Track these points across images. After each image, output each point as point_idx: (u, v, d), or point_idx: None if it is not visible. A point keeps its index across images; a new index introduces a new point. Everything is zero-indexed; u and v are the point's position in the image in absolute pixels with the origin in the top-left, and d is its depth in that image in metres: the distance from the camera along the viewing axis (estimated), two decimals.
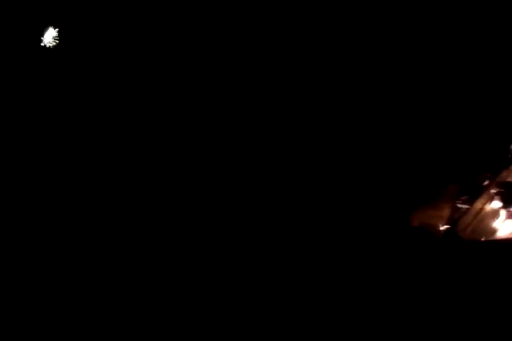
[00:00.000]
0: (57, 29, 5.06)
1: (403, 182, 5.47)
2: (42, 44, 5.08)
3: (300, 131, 5.44)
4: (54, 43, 5.03)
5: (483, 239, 5.18)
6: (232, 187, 5.23)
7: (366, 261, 5.16)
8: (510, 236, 5.12)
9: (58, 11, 5.13)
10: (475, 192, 5.35)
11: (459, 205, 5.40)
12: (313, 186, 5.36)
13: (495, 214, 5.23)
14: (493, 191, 5.25)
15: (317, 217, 5.22)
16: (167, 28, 5.31)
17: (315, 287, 4.81)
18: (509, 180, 5.33)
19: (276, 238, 5.06)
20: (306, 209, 5.27)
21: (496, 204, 5.24)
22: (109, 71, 5.31)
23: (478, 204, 5.27)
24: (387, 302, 4.65)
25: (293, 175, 5.36)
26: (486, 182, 5.35)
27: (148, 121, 5.34)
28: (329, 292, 4.79)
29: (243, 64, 5.39)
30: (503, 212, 5.19)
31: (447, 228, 5.34)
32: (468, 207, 5.34)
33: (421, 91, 5.53)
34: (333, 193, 5.37)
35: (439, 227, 5.34)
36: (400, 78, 5.50)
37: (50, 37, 5.06)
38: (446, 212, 5.36)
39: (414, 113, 5.57)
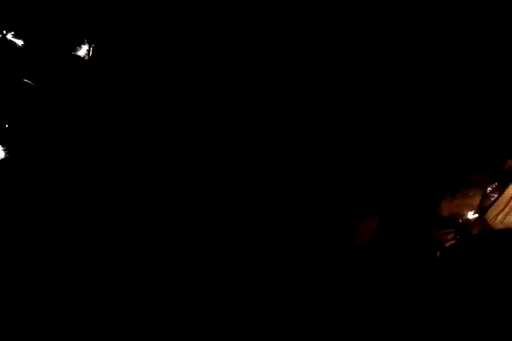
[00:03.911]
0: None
1: (430, 171, 5.35)
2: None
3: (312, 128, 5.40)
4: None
5: None
6: (229, 187, 5.23)
7: (393, 252, 5.06)
8: None
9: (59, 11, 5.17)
10: (505, 179, 5.21)
11: (488, 193, 5.26)
12: (330, 178, 5.30)
13: None
14: None
15: (330, 210, 5.16)
16: (167, 28, 5.32)
17: (335, 281, 4.76)
18: None
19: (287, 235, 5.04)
20: (325, 201, 5.21)
21: None
22: (109, 71, 5.33)
23: (509, 192, 5.13)
24: (414, 292, 4.56)
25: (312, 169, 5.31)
26: None
27: (149, 122, 5.35)
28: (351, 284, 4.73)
29: (243, 64, 5.37)
30: None
31: (477, 216, 5.21)
32: (498, 194, 5.21)
33: (449, 84, 5.45)
34: (354, 183, 5.28)
35: (469, 216, 5.21)
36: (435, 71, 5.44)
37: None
38: (475, 200, 5.23)
39: (442, 102, 5.47)
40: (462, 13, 5.24)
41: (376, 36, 5.30)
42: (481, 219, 5.18)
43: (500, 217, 5.09)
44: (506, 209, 5.08)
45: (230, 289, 4.76)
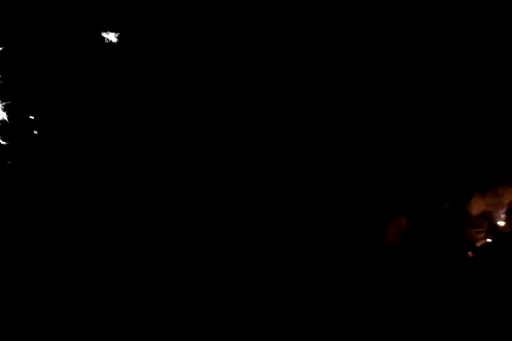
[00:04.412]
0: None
1: (460, 167, 5.28)
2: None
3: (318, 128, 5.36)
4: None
5: None
6: (230, 188, 5.21)
7: (423, 252, 5.02)
8: None
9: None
10: None
11: None
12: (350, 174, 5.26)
13: None
14: None
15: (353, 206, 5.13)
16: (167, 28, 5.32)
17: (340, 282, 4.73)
18: None
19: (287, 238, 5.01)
20: (341, 198, 5.18)
21: None
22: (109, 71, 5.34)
23: None
24: (439, 294, 4.52)
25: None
26: None
27: (149, 122, 5.36)
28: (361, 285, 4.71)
29: (243, 64, 5.35)
30: None
31: (508, 216, 5.12)
32: None
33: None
34: (381, 183, 5.25)
35: (499, 215, 5.12)
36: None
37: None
38: (506, 198, 5.13)
39: (472, 98, 5.39)
40: (462, 13, 5.19)
41: (376, 36, 5.26)
42: None
43: None
44: None
45: (241, 290, 4.77)
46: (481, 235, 5.11)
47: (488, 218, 5.13)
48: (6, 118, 5.04)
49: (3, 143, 5.05)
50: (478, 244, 5.04)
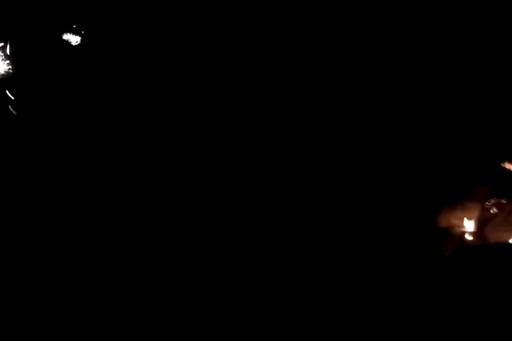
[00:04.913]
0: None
1: (430, 181, 5.37)
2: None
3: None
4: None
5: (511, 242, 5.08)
6: (231, 186, 5.21)
7: (391, 262, 5.07)
8: None
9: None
10: (505, 194, 5.24)
11: (488, 207, 5.28)
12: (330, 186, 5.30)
13: None
14: None
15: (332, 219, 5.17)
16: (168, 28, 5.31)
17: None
18: None
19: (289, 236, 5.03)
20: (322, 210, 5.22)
21: None
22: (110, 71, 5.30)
23: (508, 207, 5.15)
24: (408, 303, 4.56)
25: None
26: None
27: (149, 121, 5.32)
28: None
29: (243, 64, 5.37)
30: None
31: (475, 230, 5.23)
32: (497, 208, 5.23)
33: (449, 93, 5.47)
34: (353, 192, 5.29)
35: (466, 229, 5.23)
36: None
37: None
38: (474, 213, 5.25)
39: (442, 112, 5.49)
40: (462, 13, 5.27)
41: (376, 36, 5.31)
42: (478, 233, 5.21)
43: (498, 232, 5.12)
44: (505, 224, 5.11)
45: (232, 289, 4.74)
46: (447, 247, 5.21)
47: (455, 231, 5.23)
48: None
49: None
50: (444, 256, 5.13)
